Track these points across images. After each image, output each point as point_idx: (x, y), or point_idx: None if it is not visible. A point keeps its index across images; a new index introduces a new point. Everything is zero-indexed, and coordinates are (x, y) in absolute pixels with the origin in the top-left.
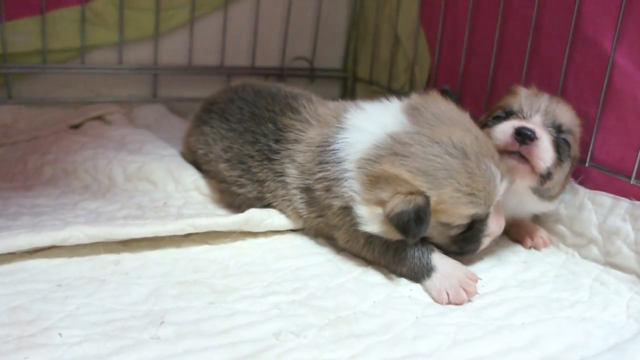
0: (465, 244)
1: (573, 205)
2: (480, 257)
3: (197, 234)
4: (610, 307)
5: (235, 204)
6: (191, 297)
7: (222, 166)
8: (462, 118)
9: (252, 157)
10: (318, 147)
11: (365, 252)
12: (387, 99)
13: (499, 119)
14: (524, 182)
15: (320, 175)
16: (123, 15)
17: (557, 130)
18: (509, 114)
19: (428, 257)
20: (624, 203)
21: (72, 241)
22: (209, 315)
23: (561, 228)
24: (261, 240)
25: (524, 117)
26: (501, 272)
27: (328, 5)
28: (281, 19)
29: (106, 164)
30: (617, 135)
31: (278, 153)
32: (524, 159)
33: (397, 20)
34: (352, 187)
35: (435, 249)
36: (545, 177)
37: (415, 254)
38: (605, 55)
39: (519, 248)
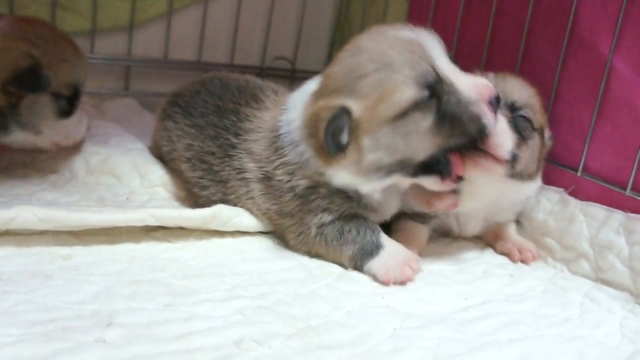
0: (459, 125)
1: (563, 217)
2: (464, 270)
3: (158, 231)
4: (603, 326)
5: (200, 205)
6: (145, 298)
7: (184, 166)
8: None
9: (213, 154)
10: (271, 132)
11: (317, 243)
12: None
13: None
14: (494, 174)
15: (279, 161)
16: (97, 1)
17: (512, 109)
18: None
19: (377, 235)
20: (618, 215)
21: (20, 222)
22: (163, 318)
23: (550, 241)
24: (228, 240)
25: None
26: (486, 285)
27: (312, 5)
28: (263, 16)
29: (66, 155)
30: (612, 144)
31: (236, 147)
32: (484, 152)
33: (384, 23)
34: (315, 163)
35: (381, 230)
36: (513, 160)
37: (367, 231)
38: (603, 59)
39: (504, 260)
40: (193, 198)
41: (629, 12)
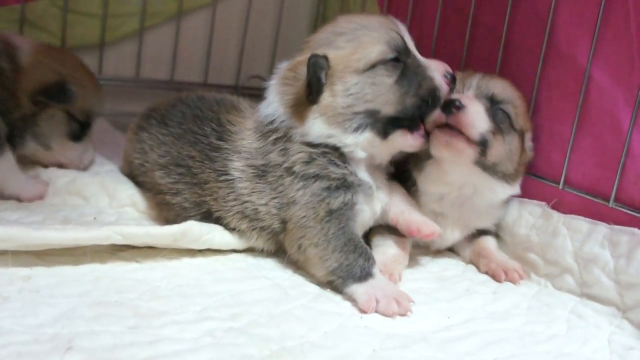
0: (416, 86)
1: (546, 231)
2: (445, 287)
3: (126, 250)
4: (591, 342)
5: (171, 218)
6: (109, 321)
7: (157, 174)
8: None
9: (192, 157)
10: (257, 124)
11: (320, 230)
12: None
13: None
14: (464, 156)
15: (270, 140)
16: (67, 19)
17: (491, 101)
18: None
19: (371, 264)
20: (602, 228)
21: None
22: (128, 341)
23: (533, 256)
24: (199, 260)
25: (456, 93)
26: (468, 303)
27: (287, 23)
28: (237, 34)
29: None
30: (593, 155)
31: (219, 150)
32: (456, 131)
33: None
34: (293, 125)
35: (376, 264)
36: (483, 145)
37: (363, 254)
38: (581, 69)
39: (487, 277)
40: (164, 213)
41: (606, 21)
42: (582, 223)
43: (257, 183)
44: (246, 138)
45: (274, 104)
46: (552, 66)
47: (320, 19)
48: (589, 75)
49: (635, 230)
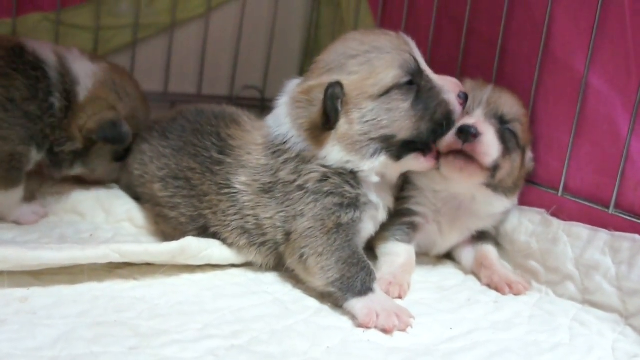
0: (431, 110)
1: (546, 238)
2: (446, 297)
3: (123, 268)
4: (595, 351)
5: (168, 232)
6: (109, 341)
7: (155, 186)
8: None
9: (192, 169)
10: (265, 141)
11: (326, 240)
12: None
13: None
14: (475, 180)
15: (281, 160)
16: (59, 32)
17: (501, 121)
18: None
19: (372, 279)
20: (603, 235)
21: None
22: None
23: (533, 264)
24: (198, 276)
25: (466, 111)
26: (470, 313)
27: (281, 33)
28: (231, 45)
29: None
30: (592, 161)
31: (221, 163)
32: (470, 157)
33: None
34: (308, 149)
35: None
36: (494, 169)
37: (365, 269)
38: (578, 76)
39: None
40: (162, 227)
41: (602, 27)
42: (582, 230)
43: (262, 197)
44: (252, 153)
45: (285, 125)
46: (548, 73)
47: (313, 28)
48: (586, 81)
49: (636, 236)
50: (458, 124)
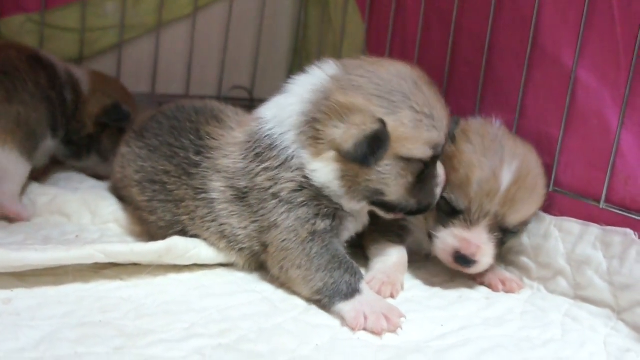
0: (422, 195)
1: (537, 234)
2: (437, 294)
3: (109, 268)
4: (587, 346)
5: (152, 233)
6: (94, 342)
7: (134, 190)
8: None
9: (167, 173)
10: (246, 142)
11: (301, 251)
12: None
13: (443, 214)
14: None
15: (261, 167)
16: (44, 33)
17: (504, 232)
18: (454, 212)
19: (358, 279)
20: (594, 229)
21: None
22: None
23: (525, 260)
24: (185, 275)
25: (469, 222)
26: (462, 310)
27: (268, 33)
28: (218, 45)
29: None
30: (582, 156)
31: (198, 166)
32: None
33: (341, 47)
34: (299, 156)
35: (363, 278)
36: None
37: (349, 270)
38: (567, 71)
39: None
40: (148, 230)
41: (590, 22)
42: (573, 225)
43: (236, 205)
44: (229, 156)
45: (287, 123)
46: (537, 68)
47: (301, 28)
48: (575, 76)
49: (628, 230)
50: (457, 247)
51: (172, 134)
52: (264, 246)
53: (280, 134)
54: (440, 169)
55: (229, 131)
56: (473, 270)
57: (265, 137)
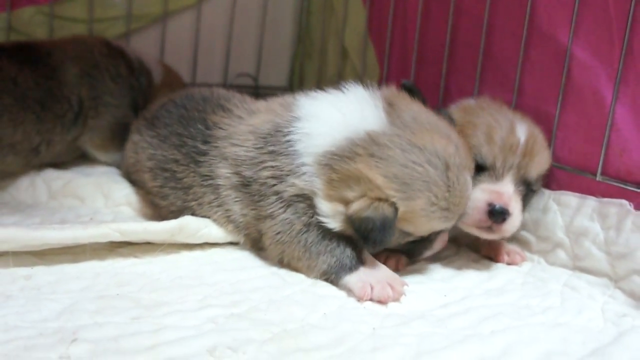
0: (416, 247)
1: (537, 208)
2: (440, 267)
3: (124, 247)
4: (585, 312)
5: (164, 215)
6: (112, 312)
7: (146, 176)
8: (441, 123)
9: (176, 161)
10: (268, 135)
11: (296, 243)
12: (345, 87)
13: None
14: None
15: (270, 164)
16: (53, 25)
17: (527, 186)
18: (480, 168)
19: (360, 251)
20: (591, 202)
21: None
22: (132, 331)
23: (525, 234)
24: (197, 253)
25: (495, 177)
26: (464, 282)
27: (272, 20)
28: (223, 34)
29: (29, 184)
30: (579, 131)
31: (206, 154)
32: (493, 230)
33: (344, 33)
34: (312, 181)
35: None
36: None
37: (349, 246)
38: (562, 48)
39: (480, 256)
40: (159, 213)
41: (584, 0)
42: (571, 198)
43: (239, 192)
44: (240, 144)
45: (307, 148)
46: (534, 47)
47: (305, 15)
48: (571, 53)
49: (623, 201)
50: (490, 201)
51: (180, 123)
52: (261, 234)
53: (303, 150)
54: (441, 238)
55: (239, 121)
56: (505, 227)
57: (287, 141)
